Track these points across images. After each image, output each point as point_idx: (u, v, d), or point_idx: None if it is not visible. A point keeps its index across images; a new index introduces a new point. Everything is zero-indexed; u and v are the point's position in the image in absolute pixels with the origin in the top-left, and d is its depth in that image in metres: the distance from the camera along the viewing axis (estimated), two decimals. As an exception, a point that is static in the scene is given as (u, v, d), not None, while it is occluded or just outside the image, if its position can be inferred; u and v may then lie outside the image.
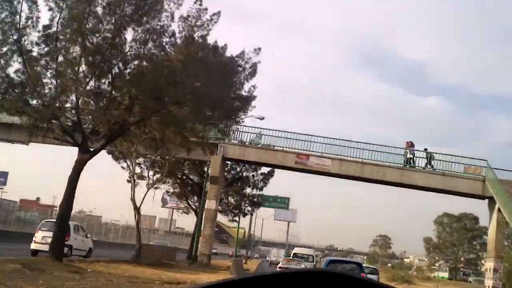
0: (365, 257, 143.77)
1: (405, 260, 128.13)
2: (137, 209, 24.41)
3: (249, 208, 39.31)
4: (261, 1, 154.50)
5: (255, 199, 37.84)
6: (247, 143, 30.55)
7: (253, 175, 35.84)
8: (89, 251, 23.68)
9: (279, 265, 30.82)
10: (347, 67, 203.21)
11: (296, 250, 41.99)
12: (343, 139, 30.14)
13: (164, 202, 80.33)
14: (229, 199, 38.34)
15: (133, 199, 24.35)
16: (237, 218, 40.96)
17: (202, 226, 30.19)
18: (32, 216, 41.35)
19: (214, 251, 79.68)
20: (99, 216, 70.43)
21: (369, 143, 30.17)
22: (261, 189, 36.38)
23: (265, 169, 36.11)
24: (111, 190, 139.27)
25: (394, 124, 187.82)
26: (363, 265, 23.88)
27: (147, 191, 25.15)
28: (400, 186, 30.65)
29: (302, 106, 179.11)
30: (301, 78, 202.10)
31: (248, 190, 37.98)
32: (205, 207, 30.18)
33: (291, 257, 36.70)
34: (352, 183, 31.16)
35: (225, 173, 35.67)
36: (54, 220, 26.46)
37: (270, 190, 58.36)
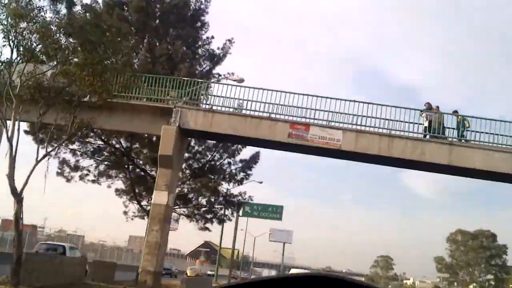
0: (363, 279, 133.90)
1: (406, 281, 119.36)
2: (16, 195, 14.10)
3: (226, 212, 28.80)
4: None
5: (235, 199, 27.30)
6: (216, 108, 20.35)
7: (229, 163, 25.42)
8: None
9: None
10: (339, 87, 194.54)
11: (293, 271, 38.88)
12: (362, 101, 20.02)
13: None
14: (200, 199, 28.00)
15: (10, 177, 14.08)
16: (209, 226, 29.61)
17: (146, 231, 19.90)
18: (9, 236, 37.63)
19: (210, 272, 70.96)
20: (81, 235, 63.25)
21: (399, 107, 20.00)
22: (240, 182, 25.93)
23: (245, 154, 25.92)
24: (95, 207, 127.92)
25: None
26: None
27: (35, 165, 14.75)
28: (448, 171, 20.38)
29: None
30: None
31: (224, 186, 27.77)
32: (153, 201, 19.89)
33: None
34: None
35: (192, 161, 25.51)
36: (49, 242, 27.32)
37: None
